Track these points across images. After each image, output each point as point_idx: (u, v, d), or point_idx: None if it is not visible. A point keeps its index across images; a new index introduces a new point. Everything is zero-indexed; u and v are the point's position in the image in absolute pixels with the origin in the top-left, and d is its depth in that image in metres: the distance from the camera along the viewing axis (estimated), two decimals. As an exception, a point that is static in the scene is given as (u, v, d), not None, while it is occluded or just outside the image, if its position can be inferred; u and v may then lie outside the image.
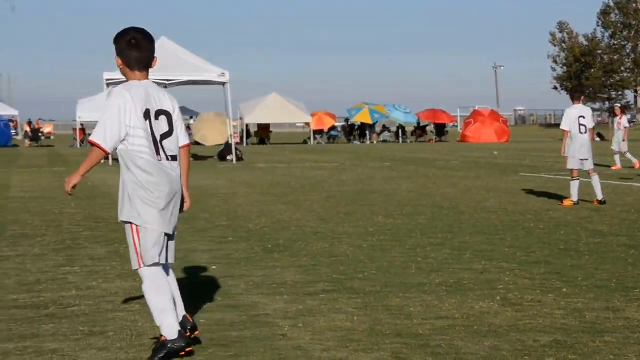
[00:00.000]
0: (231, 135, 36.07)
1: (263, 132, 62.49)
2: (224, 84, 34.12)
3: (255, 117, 59.56)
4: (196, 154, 37.01)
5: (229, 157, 34.10)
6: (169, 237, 5.80)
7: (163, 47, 33.58)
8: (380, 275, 8.64)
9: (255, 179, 23.40)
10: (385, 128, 69.51)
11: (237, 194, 18.65)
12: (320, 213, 14.45)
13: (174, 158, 5.79)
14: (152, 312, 5.74)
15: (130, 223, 5.69)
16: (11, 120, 70.20)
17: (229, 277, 8.66)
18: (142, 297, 5.94)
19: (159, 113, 5.75)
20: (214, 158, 35.06)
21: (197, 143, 53.07)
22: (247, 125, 60.31)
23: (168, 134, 5.78)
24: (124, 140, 5.63)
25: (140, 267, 5.72)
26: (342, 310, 7.07)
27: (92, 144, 5.65)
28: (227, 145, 35.40)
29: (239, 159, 33.89)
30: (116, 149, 5.67)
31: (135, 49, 5.75)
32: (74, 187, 5.73)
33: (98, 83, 32.58)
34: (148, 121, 5.68)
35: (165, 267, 5.85)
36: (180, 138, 5.88)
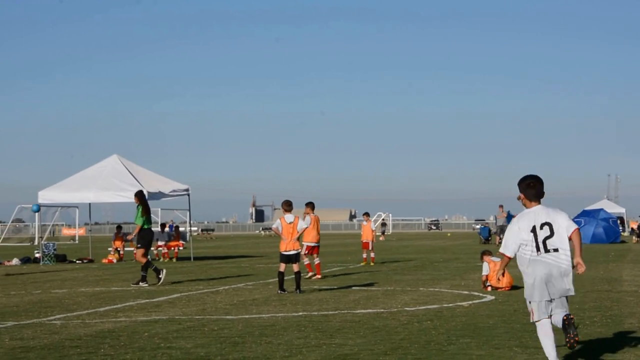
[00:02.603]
0: None
1: None
2: None
3: None
4: None
5: None
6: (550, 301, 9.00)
7: None
8: None
9: None
10: None
11: None
12: None
13: (555, 250, 8.95)
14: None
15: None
16: (619, 218, 68.59)
17: None
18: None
19: (543, 224, 9.00)
20: None
21: None
22: None
23: (549, 237, 8.96)
24: (519, 248, 9.05)
25: (532, 320, 9.16)
26: None
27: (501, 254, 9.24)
28: None
29: None
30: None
31: (531, 188, 9.14)
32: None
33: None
34: (533, 233, 9.00)
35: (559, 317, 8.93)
36: (568, 230, 8.96)
